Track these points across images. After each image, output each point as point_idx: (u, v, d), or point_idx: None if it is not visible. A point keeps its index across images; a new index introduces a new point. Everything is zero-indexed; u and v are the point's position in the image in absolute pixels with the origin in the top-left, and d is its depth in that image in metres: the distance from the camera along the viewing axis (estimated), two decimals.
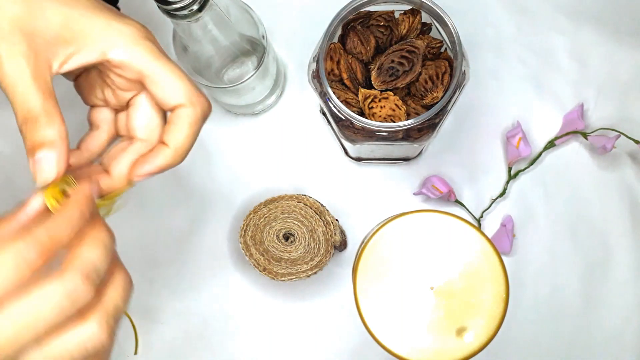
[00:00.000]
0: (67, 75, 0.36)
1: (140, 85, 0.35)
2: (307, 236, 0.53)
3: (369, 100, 0.44)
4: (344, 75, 0.46)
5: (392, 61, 0.44)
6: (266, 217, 0.53)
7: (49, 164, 0.30)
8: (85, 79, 0.37)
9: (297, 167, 0.59)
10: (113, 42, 0.33)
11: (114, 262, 0.32)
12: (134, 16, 0.63)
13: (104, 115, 0.38)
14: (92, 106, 0.38)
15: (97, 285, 0.29)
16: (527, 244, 0.57)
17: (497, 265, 0.39)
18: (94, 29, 0.32)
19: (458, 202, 0.57)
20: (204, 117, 0.34)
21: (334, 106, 0.43)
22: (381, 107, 0.44)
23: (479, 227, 0.47)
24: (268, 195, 0.55)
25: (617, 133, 0.55)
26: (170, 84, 0.33)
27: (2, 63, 0.30)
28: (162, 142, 0.35)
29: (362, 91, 0.45)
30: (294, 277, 0.52)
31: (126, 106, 0.37)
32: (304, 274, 0.52)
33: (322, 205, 0.53)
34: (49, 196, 0.31)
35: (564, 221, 0.57)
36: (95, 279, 0.29)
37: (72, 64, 0.33)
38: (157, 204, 0.59)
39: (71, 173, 0.33)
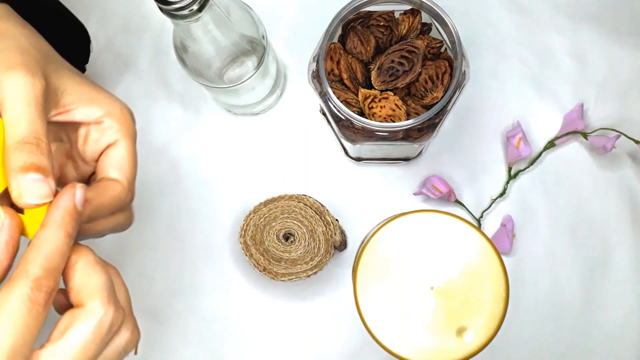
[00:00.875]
0: None
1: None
2: (307, 236, 0.53)
3: (369, 100, 0.44)
4: (344, 75, 0.46)
5: (392, 61, 0.44)
6: (266, 217, 0.53)
7: (43, 186, 0.30)
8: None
9: (297, 167, 0.59)
10: (113, 110, 0.36)
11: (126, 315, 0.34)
12: (133, 16, 0.63)
13: None
14: None
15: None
16: (527, 244, 0.57)
17: (497, 265, 0.39)
18: (100, 94, 0.35)
19: (458, 202, 0.57)
20: (130, 203, 0.39)
21: (334, 106, 0.43)
22: (381, 107, 0.44)
23: (479, 227, 0.47)
24: (268, 195, 0.55)
25: (617, 133, 0.55)
26: (126, 163, 0.36)
27: (27, 81, 0.31)
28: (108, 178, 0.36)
29: (362, 91, 0.45)
30: (294, 277, 0.52)
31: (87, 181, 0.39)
32: (304, 274, 0.52)
33: (322, 205, 0.53)
34: (29, 220, 0.30)
35: (564, 221, 0.57)
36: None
37: (72, 115, 0.34)
38: (157, 204, 0.59)
39: None
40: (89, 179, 0.38)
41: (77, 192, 0.31)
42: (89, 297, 0.31)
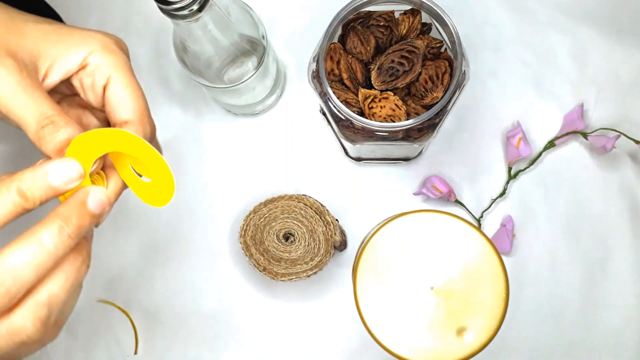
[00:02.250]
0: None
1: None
2: (307, 236, 0.53)
3: (369, 100, 0.44)
4: (344, 75, 0.46)
5: (392, 61, 0.44)
6: (266, 217, 0.53)
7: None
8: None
9: (297, 167, 0.59)
10: (92, 47, 0.33)
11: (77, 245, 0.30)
12: (133, 16, 0.63)
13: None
14: None
15: (11, 295, 0.27)
16: (527, 244, 0.57)
17: (497, 265, 0.39)
18: (73, 37, 0.33)
19: (458, 202, 0.57)
20: (152, 137, 0.34)
21: (334, 106, 0.43)
22: (381, 107, 0.44)
23: (479, 227, 0.47)
24: (268, 195, 0.55)
25: (617, 133, 0.55)
26: (127, 98, 0.33)
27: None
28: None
29: (362, 91, 0.45)
30: (294, 277, 0.52)
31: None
32: (304, 274, 0.52)
33: (322, 205, 0.53)
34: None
35: (564, 221, 0.57)
36: (9, 288, 0.26)
37: (56, 75, 0.33)
38: None
39: None
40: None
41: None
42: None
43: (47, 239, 0.27)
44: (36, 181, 0.28)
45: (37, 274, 0.27)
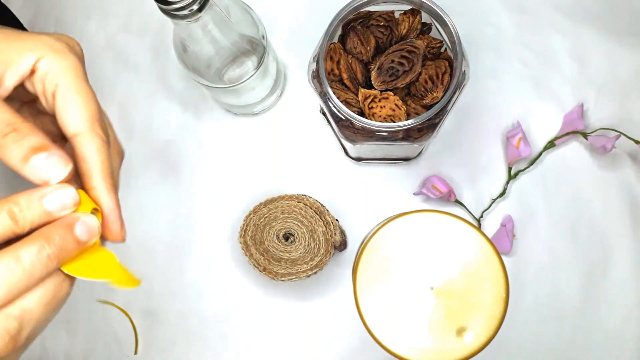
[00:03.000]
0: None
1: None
2: (307, 236, 0.53)
3: (369, 100, 0.44)
4: (344, 75, 0.46)
5: (392, 61, 0.44)
6: (266, 217, 0.53)
7: (53, 160, 0.28)
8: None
9: (297, 167, 0.59)
10: (42, 52, 0.31)
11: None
12: (133, 16, 0.63)
13: None
14: None
15: None
16: (527, 244, 0.57)
17: (497, 265, 0.39)
18: (23, 42, 0.31)
19: (458, 202, 0.57)
20: (106, 146, 0.31)
21: (334, 106, 0.43)
22: (381, 107, 0.44)
23: (479, 227, 0.47)
24: (268, 195, 0.55)
25: (617, 133, 0.55)
26: (76, 105, 0.30)
27: None
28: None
29: (362, 91, 0.45)
30: (294, 277, 0.52)
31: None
32: (304, 274, 0.52)
33: (322, 205, 0.53)
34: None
35: (564, 221, 0.57)
36: None
37: (9, 82, 0.31)
38: (157, 204, 0.59)
39: None
40: None
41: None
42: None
43: (25, 256, 0.26)
44: (30, 204, 0.27)
45: (9, 290, 0.26)
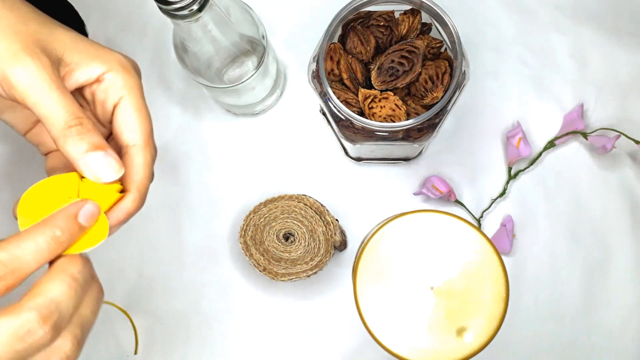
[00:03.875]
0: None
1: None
2: (307, 236, 0.53)
3: (369, 100, 0.44)
4: (344, 75, 0.46)
5: (392, 61, 0.44)
6: (266, 217, 0.53)
7: (110, 160, 0.31)
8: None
9: (297, 167, 0.59)
10: (111, 65, 0.34)
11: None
12: (133, 16, 0.63)
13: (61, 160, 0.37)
14: (48, 153, 0.38)
15: (59, 327, 0.28)
16: (527, 244, 0.57)
17: (497, 265, 0.39)
18: (97, 51, 0.34)
19: (458, 202, 0.57)
20: (153, 161, 0.35)
21: (334, 106, 0.43)
22: (381, 107, 0.44)
23: (479, 227, 0.47)
24: (268, 195, 0.55)
25: (617, 133, 0.55)
26: (135, 121, 0.34)
27: (35, 72, 0.30)
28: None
29: (362, 91, 0.45)
30: (294, 277, 0.52)
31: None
32: (304, 274, 0.52)
33: (322, 205, 0.53)
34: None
35: (564, 221, 0.57)
36: (57, 321, 0.28)
37: (73, 82, 0.34)
38: (157, 204, 0.59)
39: None
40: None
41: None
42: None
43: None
44: (69, 224, 0.30)
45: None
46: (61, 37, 0.33)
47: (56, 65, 0.32)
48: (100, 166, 0.31)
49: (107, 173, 0.31)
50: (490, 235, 0.57)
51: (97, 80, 0.34)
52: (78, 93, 0.35)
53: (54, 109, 0.30)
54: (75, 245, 0.31)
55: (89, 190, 0.32)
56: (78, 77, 0.34)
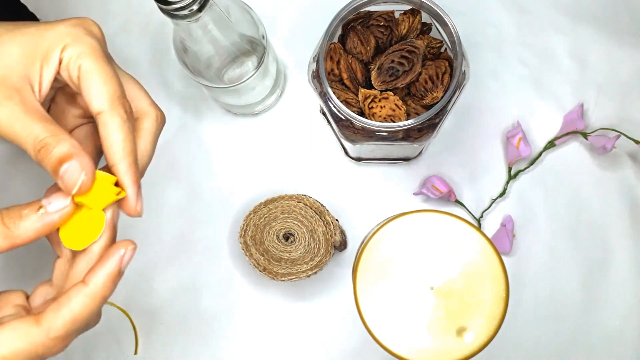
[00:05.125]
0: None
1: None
2: (307, 236, 0.53)
3: (369, 100, 0.44)
4: (344, 75, 0.46)
5: (392, 61, 0.44)
6: (266, 217, 0.53)
7: (73, 171, 0.30)
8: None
9: (297, 167, 0.59)
10: (63, 41, 0.32)
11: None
12: (133, 16, 0.63)
13: None
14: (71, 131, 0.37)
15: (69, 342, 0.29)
16: (527, 244, 0.57)
17: (497, 265, 0.39)
18: (45, 39, 0.32)
19: (458, 202, 0.57)
20: (127, 121, 0.32)
21: (334, 106, 0.43)
22: (381, 107, 0.44)
23: (479, 227, 0.47)
24: (268, 195, 0.54)
25: (617, 133, 0.55)
26: (96, 85, 0.32)
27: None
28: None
29: (362, 91, 0.45)
30: (294, 277, 0.52)
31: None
32: (304, 274, 0.52)
33: (322, 205, 0.53)
34: (95, 204, 0.31)
35: (564, 221, 0.57)
36: (73, 338, 0.29)
37: (46, 81, 0.32)
38: (157, 204, 0.59)
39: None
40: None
41: (124, 256, 0.33)
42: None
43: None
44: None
45: None
46: (11, 53, 0.32)
47: (18, 84, 0.31)
48: (68, 181, 0.30)
49: (73, 184, 0.30)
50: (490, 235, 0.57)
51: (60, 63, 0.32)
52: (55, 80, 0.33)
53: (21, 142, 0.30)
54: (75, 242, 0.31)
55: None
56: (47, 75, 0.32)
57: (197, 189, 0.59)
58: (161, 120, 0.36)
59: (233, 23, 0.46)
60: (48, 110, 0.37)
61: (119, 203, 0.32)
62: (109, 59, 0.33)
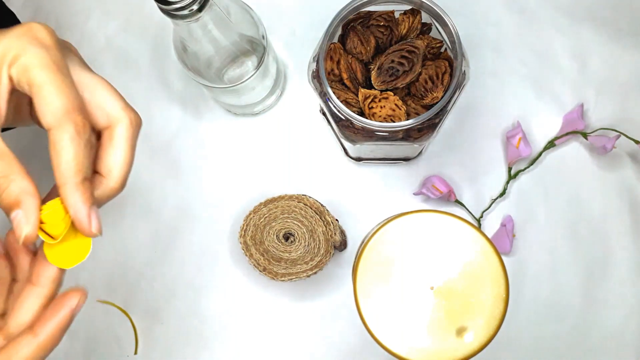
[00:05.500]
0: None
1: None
2: (307, 236, 0.53)
3: (369, 100, 0.44)
4: (344, 75, 0.46)
5: (392, 61, 0.44)
6: (266, 217, 0.53)
7: (20, 220, 0.29)
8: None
9: (297, 167, 0.59)
10: (7, 59, 0.30)
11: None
12: (133, 16, 0.63)
13: None
14: None
15: None
16: (527, 244, 0.57)
17: (497, 265, 0.39)
18: None
19: (458, 202, 0.57)
20: (79, 136, 0.29)
21: (334, 106, 0.43)
22: (381, 107, 0.44)
23: (479, 227, 0.47)
24: (268, 195, 0.54)
25: (617, 133, 0.55)
26: (44, 97, 0.29)
27: None
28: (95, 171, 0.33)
29: (362, 91, 0.45)
30: (294, 277, 0.52)
31: None
32: (304, 274, 0.52)
33: (322, 205, 0.53)
34: (45, 236, 0.30)
35: (564, 221, 0.57)
36: None
37: (1, 108, 0.30)
38: (157, 204, 0.59)
39: None
40: None
41: (76, 308, 0.32)
42: None
43: None
44: None
45: None
46: None
47: None
48: (16, 229, 0.29)
49: (19, 235, 0.29)
50: (490, 235, 0.57)
51: (13, 82, 0.30)
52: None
53: None
54: (62, 261, 0.31)
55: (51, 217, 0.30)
56: (1, 100, 0.30)
57: (197, 189, 0.59)
58: (136, 124, 0.34)
59: (233, 23, 0.46)
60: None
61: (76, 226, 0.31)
62: (60, 67, 0.30)
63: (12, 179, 0.29)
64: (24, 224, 0.29)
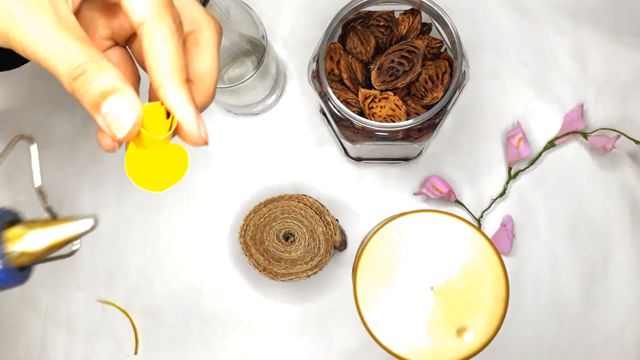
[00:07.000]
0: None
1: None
2: (307, 236, 0.53)
3: (369, 100, 0.44)
4: (344, 75, 0.46)
5: (392, 61, 0.44)
6: (266, 217, 0.53)
7: (121, 109, 0.24)
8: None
9: (297, 167, 0.59)
10: None
11: None
12: None
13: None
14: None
15: None
16: (527, 244, 0.57)
17: (497, 265, 0.39)
18: None
19: (458, 202, 0.57)
20: (174, 33, 0.26)
21: (334, 106, 0.43)
22: (381, 107, 0.44)
23: (479, 227, 0.47)
24: (268, 195, 0.55)
25: (617, 133, 0.55)
26: None
27: (20, 23, 0.24)
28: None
29: (362, 91, 0.45)
30: (294, 277, 0.52)
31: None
32: (304, 274, 0.52)
33: (322, 205, 0.53)
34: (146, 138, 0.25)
35: (564, 221, 0.57)
36: None
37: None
38: (157, 204, 0.59)
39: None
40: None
41: None
42: None
43: None
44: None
45: None
46: None
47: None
48: (112, 121, 0.24)
49: (121, 127, 0.24)
50: (490, 235, 0.57)
51: None
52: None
53: (53, 65, 0.25)
54: (159, 183, 0.26)
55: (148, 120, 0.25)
56: None
57: (197, 189, 0.59)
58: (220, 31, 0.30)
59: (233, 23, 0.46)
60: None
61: (179, 134, 0.26)
62: None
63: (105, 65, 0.25)
64: (129, 110, 0.24)
